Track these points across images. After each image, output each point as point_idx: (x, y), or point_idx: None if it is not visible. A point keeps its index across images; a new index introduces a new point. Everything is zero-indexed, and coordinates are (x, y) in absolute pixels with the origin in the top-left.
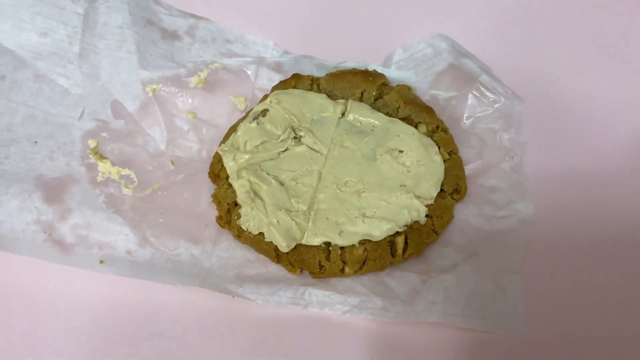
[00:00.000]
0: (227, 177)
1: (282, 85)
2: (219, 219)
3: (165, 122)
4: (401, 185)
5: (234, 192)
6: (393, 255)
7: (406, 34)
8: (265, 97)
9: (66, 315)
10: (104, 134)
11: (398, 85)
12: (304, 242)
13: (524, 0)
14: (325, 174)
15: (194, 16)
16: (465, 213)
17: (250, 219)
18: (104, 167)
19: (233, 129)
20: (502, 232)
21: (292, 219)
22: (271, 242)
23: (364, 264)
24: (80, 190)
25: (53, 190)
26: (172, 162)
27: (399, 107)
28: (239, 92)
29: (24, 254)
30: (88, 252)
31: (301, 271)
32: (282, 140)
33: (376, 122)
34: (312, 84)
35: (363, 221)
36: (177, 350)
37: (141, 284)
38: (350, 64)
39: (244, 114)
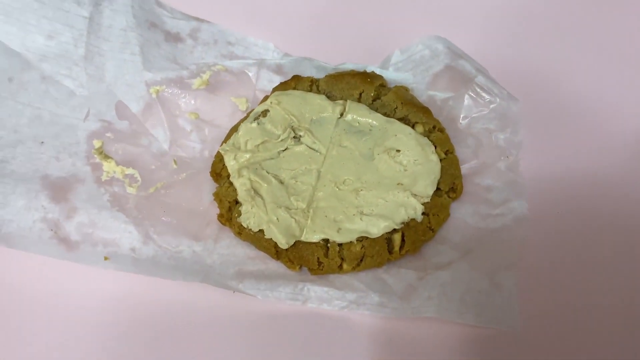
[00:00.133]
0: (229, 176)
1: (283, 86)
2: (220, 216)
3: (168, 122)
4: (398, 184)
5: (235, 190)
6: (390, 252)
7: (404, 36)
8: (266, 98)
9: (71, 311)
10: (108, 135)
11: (396, 86)
12: (303, 239)
13: (520, 2)
14: (324, 173)
15: (197, 19)
16: (461, 211)
17: (250, 217)
18: (108, 167)
19: (234, 129)
20: (498, 230)
21: (292, 217)
22: (271, 239)
23: (361, 260)
24: (85, 189)
25: (59, 190)
26: (174, 162)
27: (397, 107)
28: (241, 93)
29: (31, 251)
30: (93, 250)
31: (300, 268)
32: (282, 140)
33: (374, 122)
34: (312, 85)
35: (361, 219)
36: (179, 343)
37: (144, 280)
38: (349, 66)
39: (245, 115)
